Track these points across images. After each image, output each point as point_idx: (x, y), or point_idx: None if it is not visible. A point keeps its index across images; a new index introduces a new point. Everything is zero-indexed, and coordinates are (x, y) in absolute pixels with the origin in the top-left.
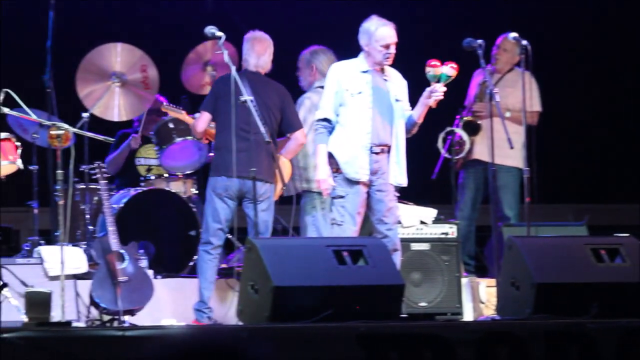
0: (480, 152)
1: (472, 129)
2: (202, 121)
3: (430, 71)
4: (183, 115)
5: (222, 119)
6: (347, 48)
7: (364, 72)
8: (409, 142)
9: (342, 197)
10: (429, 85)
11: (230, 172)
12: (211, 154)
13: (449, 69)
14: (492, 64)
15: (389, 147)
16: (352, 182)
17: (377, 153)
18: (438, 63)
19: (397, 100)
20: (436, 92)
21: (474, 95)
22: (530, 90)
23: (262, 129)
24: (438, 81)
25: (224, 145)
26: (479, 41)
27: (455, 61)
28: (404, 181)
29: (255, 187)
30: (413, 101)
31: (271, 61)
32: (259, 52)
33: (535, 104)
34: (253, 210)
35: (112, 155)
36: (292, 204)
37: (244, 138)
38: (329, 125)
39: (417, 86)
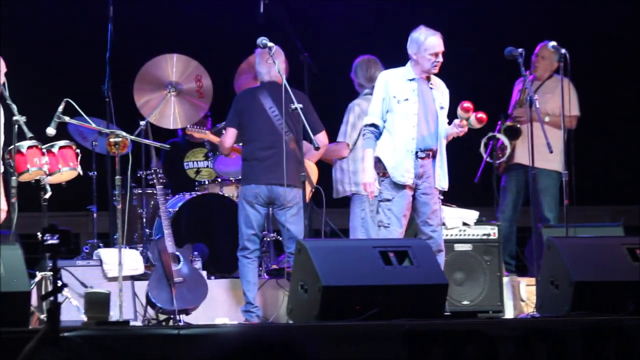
0: (522, 156)
1: (513, 133)
2: (229, 137)
3: (460, 113)
4: (207, 135)
5: (247, 132)
6: (389, 55)
7: (410, 80)
8: (452, 146)
9: (388, 200)
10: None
11: (258, 180)
12: None
13: (475, 121)
14: (531, 71)
15: (434, 152)
16: (398, 186)
17: (422, 158)
18: (470, 106)
19: (441, 107)
20: (461, 129)
21: (515, 102)
22: (569, 96)
23: (310, 133)
24: (466, 120)
25: (252, 155)
26: (520, 50)
27: (485, 111)
28: (445, 185)
29: (303, 193)
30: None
31: (285, 69)
32: (270, 63)
33: (573, 109)
34: (283, 216)
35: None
36: (344, 207)
37: (270, 147)
38: (376, 130)
39: (458, 95)
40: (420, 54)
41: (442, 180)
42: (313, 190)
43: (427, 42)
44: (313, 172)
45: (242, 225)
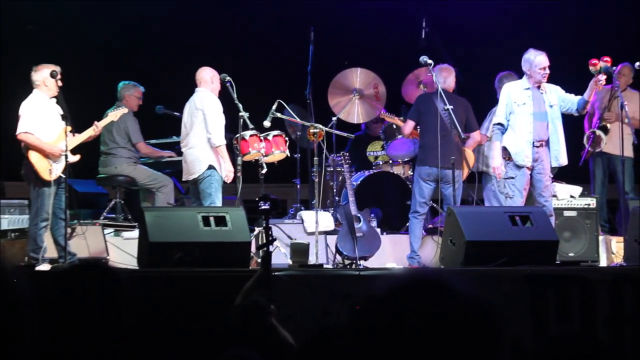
0: (606, 146)
1: (604, 130)
2: (409, 126)
3: (592, 69)
4: (395, 120)
5: (424, 125)
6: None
7: (526, 89)
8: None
9: (512, 177)
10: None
11: (431, 163)
12: None
13: (604, 63)
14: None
15: (547, 141)
16: (520, 167)
17: (537, 146)
18: (596, 61)
19: (550, 106)
20: (600, 81)
21: (602, 107)
22: (638, 105)
23: (459, 128)
24: (599, 72)
25: (427, 143)
26: (614, 68)
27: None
28: (564, 161)
29: (454, 172)
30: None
31: (454, 82)
32: (445, 76)
33: None
34: (447, 190)
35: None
36: (473, 182)
37: (441, 138)
38: (502, 128)
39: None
40: (532, 69)
41: (560, 158)
42: (469, 171)
43: (537, 60)
44: (470, 158)
45: (417, 195)
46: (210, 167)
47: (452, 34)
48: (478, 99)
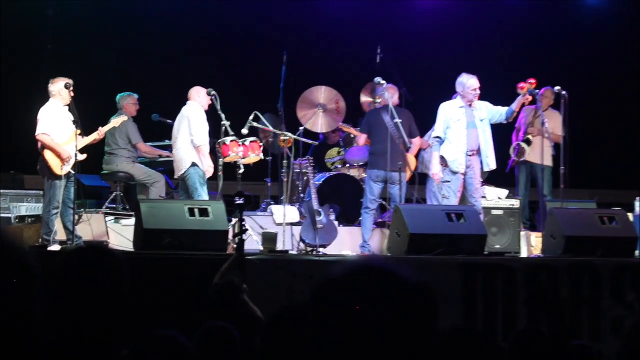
0: (529, 156)
1: (527, 143)
2: (362, 139)
3: (520, 90)
4: (351, 130)
5: (374, 137)
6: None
7: (460, 107)
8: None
9: (449, 181)
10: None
11: (380, 167)
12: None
13: (530, 86)
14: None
15: (478, 150)
16: (455, 173)
17: (470, 155)
18: (523, 84)
19: (481, 120)
20: (528, 99)
21: (527, 123)
22: (558, 123)
23: (406, 138)
24: (526, 94)
25: (377, 151)
26: (537, 91)
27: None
28: (493, 165)
29: (401, 175)
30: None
31: (398, 98)
32: (392, 94)
33: (561, 131)
34: (394, 190)
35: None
36: (414, 183)
37: (388, 146)
38: (440, 140)
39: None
40: (465, 90)
41: (490, 164)
42: (412, 174)
43: (469, 83)
44: (412, 163)
45: (368, 193)
46: (193, 165)
47: (402, 57)
48: (424, 111)
